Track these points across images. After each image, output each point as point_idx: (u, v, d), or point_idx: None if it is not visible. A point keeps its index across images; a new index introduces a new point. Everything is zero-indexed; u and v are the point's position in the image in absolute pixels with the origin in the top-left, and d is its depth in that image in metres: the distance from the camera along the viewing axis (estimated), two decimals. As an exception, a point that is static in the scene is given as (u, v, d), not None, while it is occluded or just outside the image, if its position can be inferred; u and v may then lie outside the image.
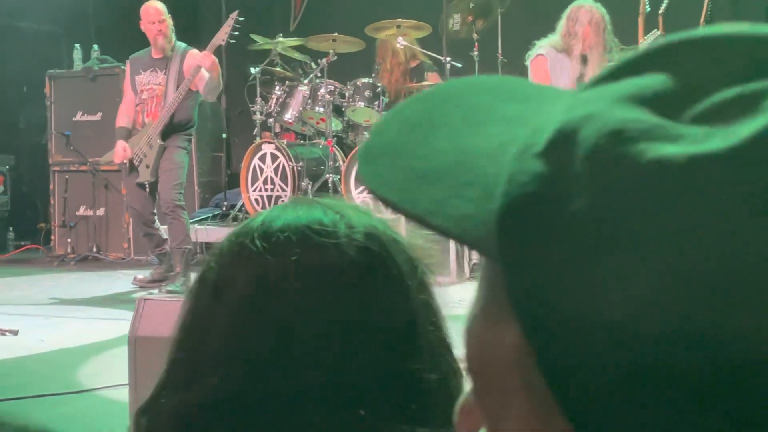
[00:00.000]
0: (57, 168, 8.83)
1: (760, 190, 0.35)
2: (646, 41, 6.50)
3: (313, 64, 7.92)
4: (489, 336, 0.43)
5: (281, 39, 7.77)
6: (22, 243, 9.20)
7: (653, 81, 0.40)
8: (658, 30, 6.66)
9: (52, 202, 8.87)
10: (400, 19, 7.48)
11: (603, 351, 0.36)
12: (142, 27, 6.58)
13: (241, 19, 6.61)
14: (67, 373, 4.14)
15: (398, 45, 7.52)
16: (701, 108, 0.38)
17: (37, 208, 9.70)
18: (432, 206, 0.43)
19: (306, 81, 7.68)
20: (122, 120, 6.67)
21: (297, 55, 7.98)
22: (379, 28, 7.58)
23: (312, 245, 0.73)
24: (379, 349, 0.72)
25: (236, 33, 6.65)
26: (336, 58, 7.61)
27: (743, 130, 0.36)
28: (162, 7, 6.56)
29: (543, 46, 5.81)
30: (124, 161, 6.50)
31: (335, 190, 7.37)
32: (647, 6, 7.19)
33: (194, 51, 6.53)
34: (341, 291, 0.73)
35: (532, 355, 0.39)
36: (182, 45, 6.62)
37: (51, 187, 8.85)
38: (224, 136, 8.37)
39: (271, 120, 7.74)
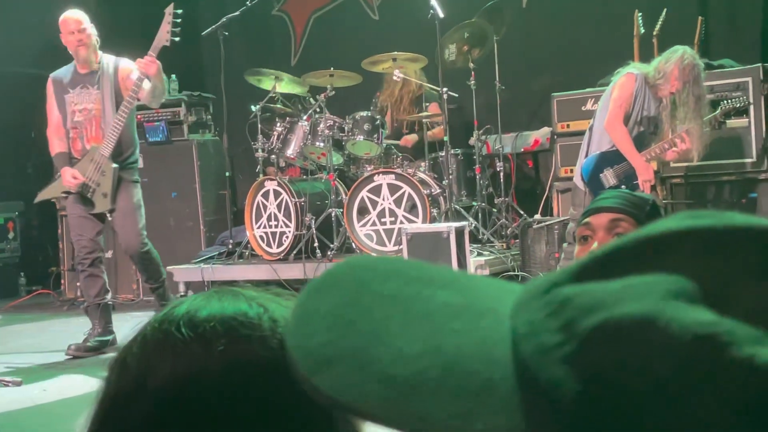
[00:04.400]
0: (65, 212, 8.89)
1: None
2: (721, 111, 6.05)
3: (312, 100, 7.96)
4: None
5: (280, 76, 7.82)
6: (34, 288, 9.28)
7: (677, 281, 0.38)
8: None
9: (61, 246, 8.94)
10: (396, 52, 7.51)
11: None
12: (63, 40, 5.96)
13: (179, 12, 5.99)
14: (66, 425, 4.16)
15: (395, 78, 7.54)
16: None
17: (47, 253, 9.79)
18: (456, 422, 0.38)
19: (306, 117, 7.72)
20: (58, 145, 6.06)
21: (298, 90, 8.02)
22: (375, 61, 7.61)
23: (237, 337, 0.74)
24: None
25: (177, 30, 5.97)
26: (334, 93, 7.65)
27: None
28: (82, 16, 5.98)
29: (638, 68, 5.74)
30: (72, 189, 5.96)
31: (338, 224, 7.39)
32: (641, 28, 7.21)
33: (126, 61, 6.03)
34: (264, 383, 0.74)
35: None
36: (111, 57, 6.08)
37: (59, 231, 8.93)
38: (228, 174, 8.41)
39: (273, 156, 7.78)
